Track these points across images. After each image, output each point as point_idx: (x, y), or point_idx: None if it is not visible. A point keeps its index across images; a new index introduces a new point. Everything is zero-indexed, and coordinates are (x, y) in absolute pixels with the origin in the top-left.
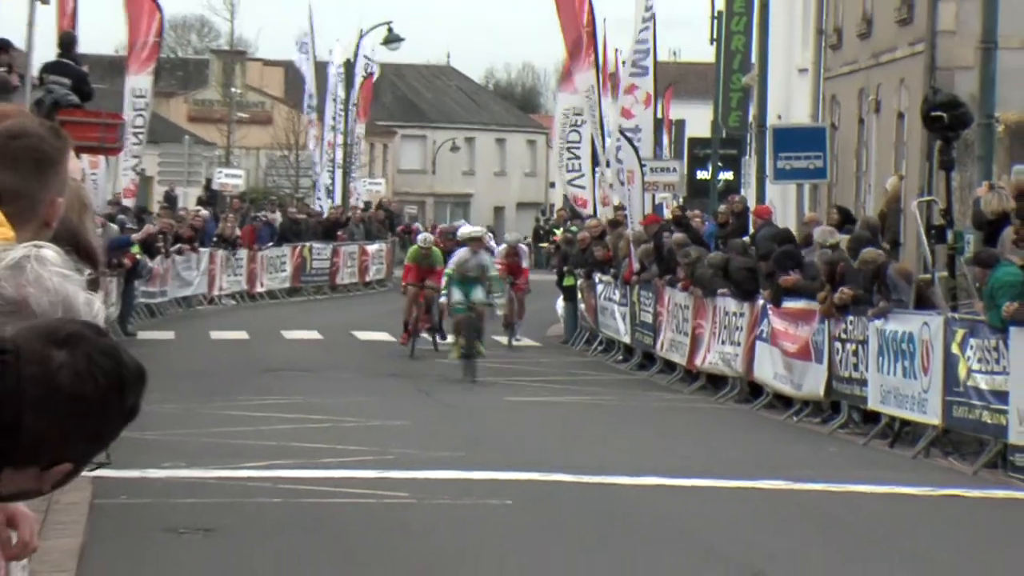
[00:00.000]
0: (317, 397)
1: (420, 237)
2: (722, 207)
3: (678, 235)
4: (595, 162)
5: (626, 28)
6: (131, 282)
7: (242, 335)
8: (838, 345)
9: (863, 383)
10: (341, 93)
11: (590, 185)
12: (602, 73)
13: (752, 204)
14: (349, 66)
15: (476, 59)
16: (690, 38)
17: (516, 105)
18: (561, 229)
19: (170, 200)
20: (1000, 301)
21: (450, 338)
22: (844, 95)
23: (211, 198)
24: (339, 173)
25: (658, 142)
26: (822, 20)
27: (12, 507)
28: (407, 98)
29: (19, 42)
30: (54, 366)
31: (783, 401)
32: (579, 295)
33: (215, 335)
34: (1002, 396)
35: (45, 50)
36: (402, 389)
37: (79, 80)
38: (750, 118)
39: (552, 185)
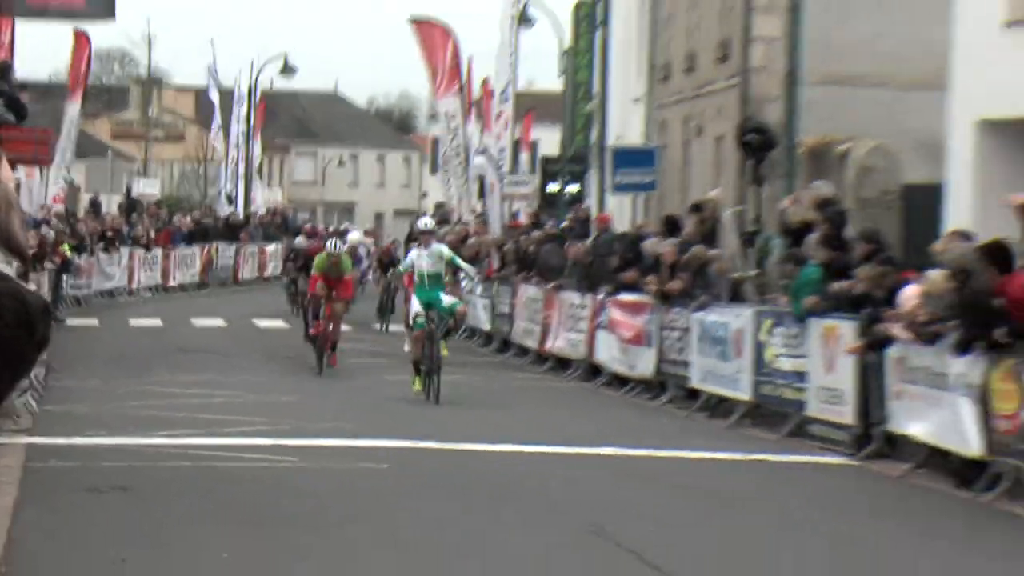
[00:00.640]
0: (221, 376)
1: (329, 243)
2: (569, 215)
3: (535, 234)
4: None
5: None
6: (61, 276)
7: (157, 322)
8: (666, 332)
9: (687, 365)
10: (243, 115)
11: (456, 196)
12: (467, 101)
13: (594, 212)
14: (250, 92)
15: (360, 86)
16: (543, 71)
17: (394, 127)
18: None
19: (95, 206)
20: (802, 296)
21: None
22: (671, 121)
23: (131, 204)
24: (241, 183)
25: (516, 159)
26: (653, 57)
27: None
28: (300, 120)
29: None
30: None
31: (619, 380)
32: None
33: (133, 322)
34: (802, 376)
35: None
36: (295, 369)
37: (14, 102)
38: (593, 139)
39: (424, 195)
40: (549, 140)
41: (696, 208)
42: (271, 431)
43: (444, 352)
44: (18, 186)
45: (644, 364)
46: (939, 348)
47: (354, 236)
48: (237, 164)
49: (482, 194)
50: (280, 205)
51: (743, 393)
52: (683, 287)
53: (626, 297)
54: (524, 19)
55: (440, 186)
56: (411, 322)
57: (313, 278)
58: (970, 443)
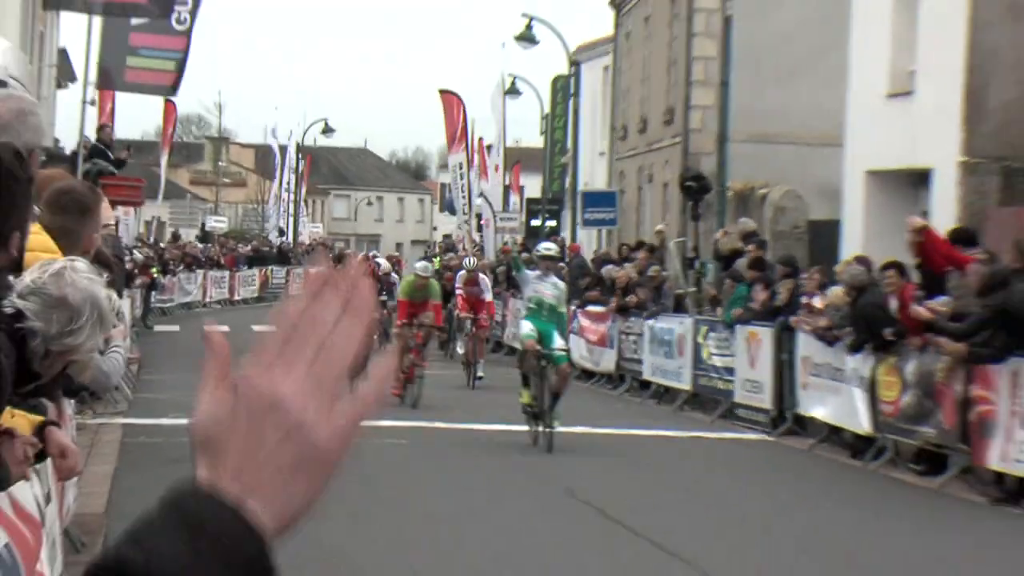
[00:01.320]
0: None
1: (419, 265)
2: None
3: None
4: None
5: (486, 123)
6: (150, 292)
7: (224, 328)
8: (624, 336)
9: (640, 362)
10: (292, 166)
11: (461, 229)
12: (470, 154)
13: (568, 242)
14: (298, 148)
15: (384, 143)
16: (527, 131)
17: (411, 175)
18: (438, 258)
19: (176, 237)
20: (733, 308)
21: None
22: (628, 170)
23: (204, 236)
24: (291, 219)
25: (507, 200)
26: (614, 120)
27: (64, 442)
28: (337, 170)
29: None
30: None
31: (587, 374)
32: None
33: (208, 327)
34: (730, 370)
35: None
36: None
37: (117, 160)
38: (567, 185)
39: (435, 228)
40: (532, 185)
41: (641, 243)
42: None
43: (556, 424)
44: (117, 222)
45: (606, 361)
46: (837, 348)
47: (385, 264)
48: (288, 204)
49: (480, 228)
50: (321, 237)
51: (684, 384)
52: (640, 301)
53: (592, 309)
54: (512, 91)
55: (448, 221)
56: (522, 335)
57: (400, 304)
58: (861, 423)
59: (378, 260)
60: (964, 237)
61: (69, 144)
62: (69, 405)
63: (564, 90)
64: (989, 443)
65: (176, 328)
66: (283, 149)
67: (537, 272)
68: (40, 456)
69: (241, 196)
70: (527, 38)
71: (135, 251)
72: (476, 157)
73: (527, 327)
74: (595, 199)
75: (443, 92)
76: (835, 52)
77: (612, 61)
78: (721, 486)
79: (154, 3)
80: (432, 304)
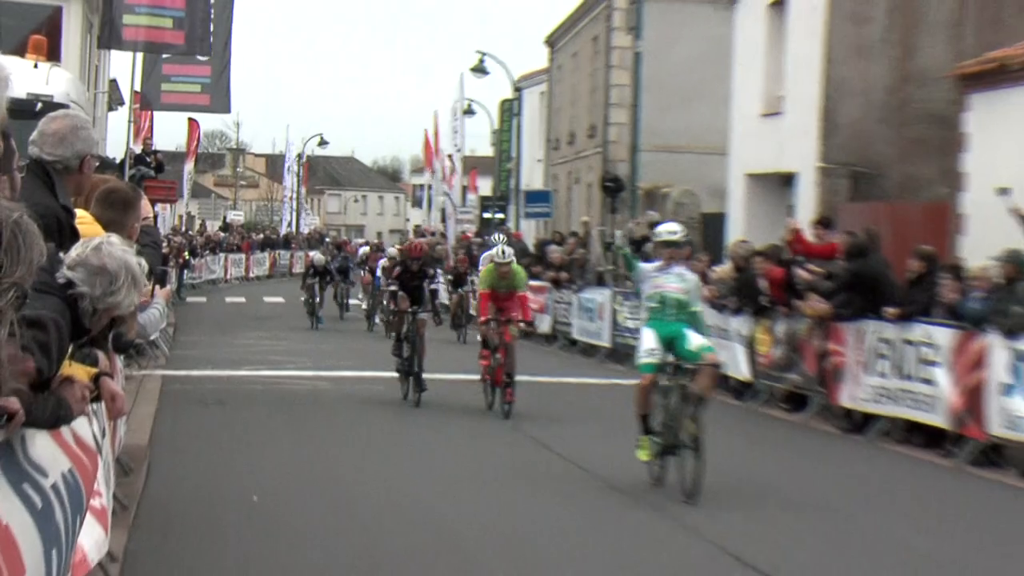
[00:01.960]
0: (281, 332)
1: (495, 250)
2: (497, 232)
3: (476, 240)
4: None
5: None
6: (183, 271)
7: (242, 299)
8: (557, 304)
9: (570, 324)
10: (295, 171)
11: (429, 220)
12: (440, 163)
13: (513, 230)
14: (299, 157)
15: (368, 151)
16: (481, 143)
17: (389, 178)
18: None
19: (203, 227)
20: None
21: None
22: (560, 174)
23: (225, 227)
24: (294, 214)
25: (464, 198)
26: (549, 134)
27: (114, 388)
28: (330, 174)
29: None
30: None
31: (527, 335)
32: None
33: (228, 299)
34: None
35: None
36: (329, 330)
37: (157, 164)
38: (512, 185)
39: (407, 220)
40: (485, 186)
41: (574, 233)
42: (312, 366)
43: (693, 429)
44: (156, 215)
45: (544, 325)
46: (724, 313)
47: (391, 251)
48: (292, 201)
49: (443, 219)
50: (317, 227)
51: (604, 342)
52: (570, 277)
53: (533, 283)
54: (468, 111)
55: (417, 214)
56: (638, 362)
57: (483, 298)
58: (742, 371)
59: (387, 250)
60: (825, 223)
61: (117, 154)
62: (119, 360)
63: (509, 111)
64: (840, 386)
65: (204, 299)
66: (290, 158)
67: (656, 263)
68: (95, 400)
69: (254, 195)
70: (480, 70)
71: (170, 239)
72: (442, 167)
73: (647, 341)
74: (534, 197)
75: (426, 131)
76: (722, 81)
77: (547, 88)
78: (630, 419)
79: (187, 44)
80: (519, 295)
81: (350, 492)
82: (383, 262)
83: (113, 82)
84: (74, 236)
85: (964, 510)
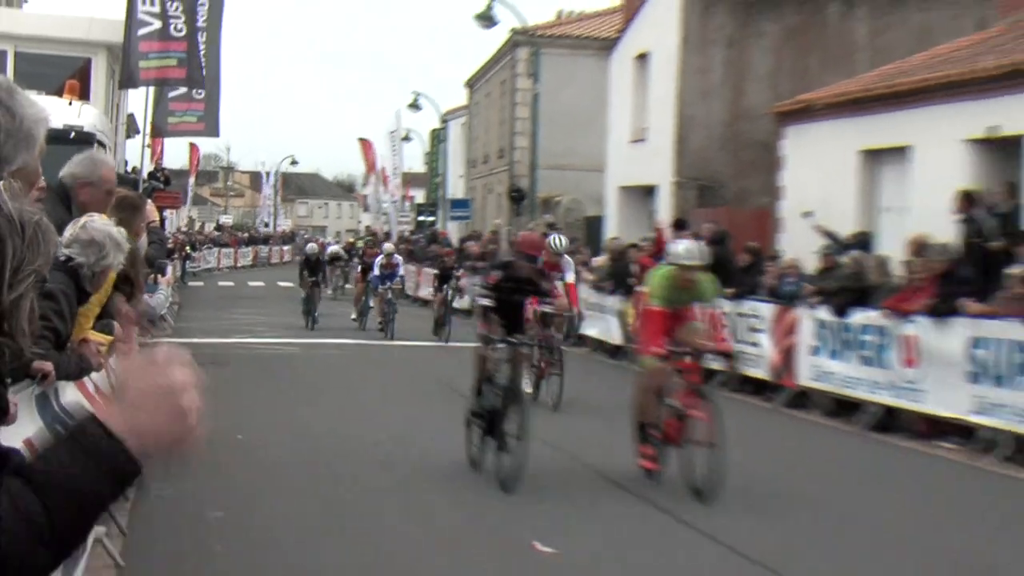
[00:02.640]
0: (263, 309)
1: (681, 248)
2: (429, 232)
3: (415, 237)
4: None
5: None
6: (186, 261)
7: (231, 284)
8: (474, 287)
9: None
10: (272, 184)
11: (377, 223)
12: (380, 177)
13: (440, 229)
14: (276, 173)
15: (329, 168)
16: (416, 162)
17: (345, 189)
18: (362, 242)
19: (202, 227)
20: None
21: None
22: (478, 186)
23: (219, 227)
24: (272, 217)
25: (404, 205)
26: (469, 155)
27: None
28: (300, 187)
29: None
30: None
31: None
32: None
33: (220, 283)
34: None
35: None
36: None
37: (165, 179)
38: (440, 195)
39: (359, 222)
40: (419, 195)
41: (493, 231)
42: (287, 335)
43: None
44: (162, 218)
45: (465, 303)
46: (602, 293)
47: (388, 247)
48: (270, 207)
49: (388, 223)
50: (290, 228)
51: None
52: (484, 265)
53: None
54: (406, 138)
55: (367, 217)
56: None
57: (650, 318)
58: (615, 338)
59: (385, 245)
60: (679, 224)
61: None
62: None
63: (438, 138)
64: None
65: (202, 283)
66: (268, 174)
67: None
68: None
69: (241, 203)
70: (415, 105)
71: (176, 236)
72: (380, 178)
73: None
74: (457, 204)
75: (361, 140)
76: (600, 115)
77: (467, 120)
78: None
79: (187, 79)
80: (704, 311)
81: (313, 432)
82: (380, 259)
83: (131, 116)
84: None
85: (782, 441)
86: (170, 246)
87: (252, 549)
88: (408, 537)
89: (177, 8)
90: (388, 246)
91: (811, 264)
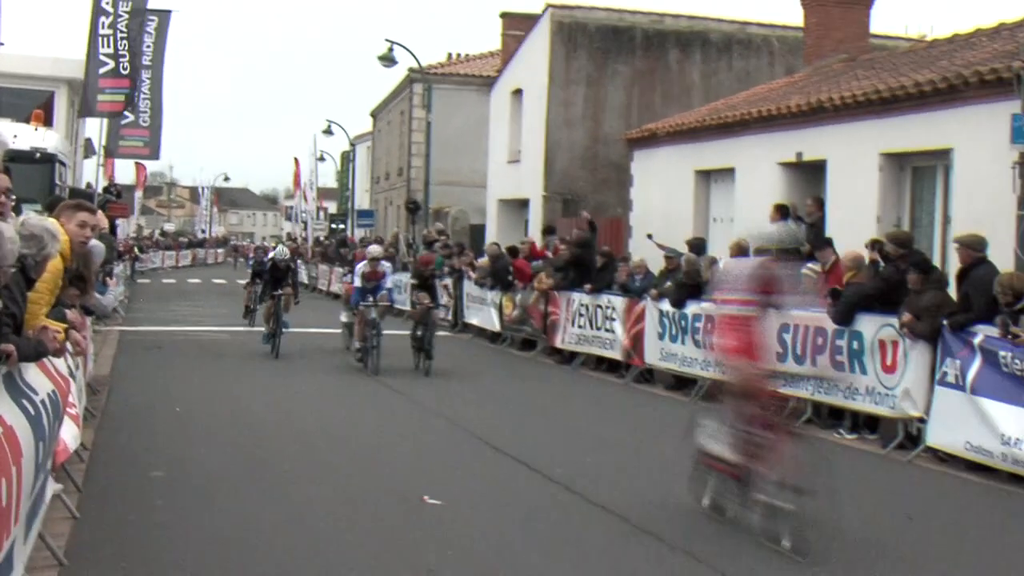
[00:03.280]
0: (199, 302)
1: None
2: (340, 238)
3: (327, 243)
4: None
5: (308, 172)
6: (135, 262)
7: (173, 281)
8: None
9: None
10: (208, 197)
11: (296, 229)
12: (303, 191)
13: (350, 236)
14: (211, 188)
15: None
16: (329, 178)
17: (270, 202)
18: (281, 245)
19: (150, 235)
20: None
21: None
22: (380, 200)
23: (163, 233)
24: (208, 225)
25: (319, 215)
26: (373, 173)
27: (77, 338)
28: (232, 199)
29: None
30: None
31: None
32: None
33: (164, 281)
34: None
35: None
36: (236, 298)
37: (117, 193)
38: (349, 206)
39: (282, 229)
40: (332, 206)
41: (395, 236)
42: (218, 324)
43: None
44: (116, 226)
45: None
46: (483, 289)
47: (374, 249)
48: (206, 217)
49: (305, 229)
50: (223, 234)
51: (406, 307)
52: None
53: (361, 266)
54: (321, 159)
55: (288, 225)
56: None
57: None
58: (495, 325)
59: (372, 248)
60: (549, 230)
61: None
62: (88, 318)
63: (348, 158)
64: (556, 335)
65: (148, 281)
66: (205, 188)
67: None
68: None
69: (182, 213)
70: (328, 131)
71: (128, 239)
72: (303, 193)
73: None
74: (363, 214)
75: (295, 159)
76: (482, 140)
77: (372, 144)
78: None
79: (128, 108)
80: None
81: (240, 404)
82: (362, 266)
83: (88, 140)
84: None
85: (630, 409)
86: (120, 249)
87: (188, 502)
88: (317, 491)
89: (125, 47)
90: (375, 248)
91: (656, 266)
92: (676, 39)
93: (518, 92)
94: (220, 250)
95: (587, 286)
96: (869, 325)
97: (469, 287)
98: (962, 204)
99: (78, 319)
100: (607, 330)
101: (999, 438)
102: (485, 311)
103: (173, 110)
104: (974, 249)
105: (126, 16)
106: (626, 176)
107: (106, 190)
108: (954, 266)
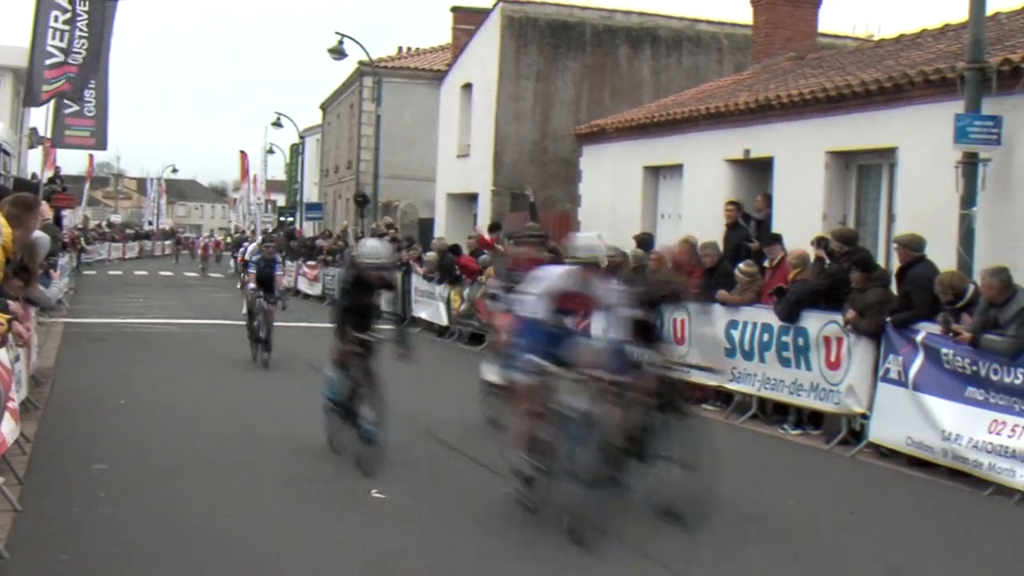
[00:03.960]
0: (145, 294)
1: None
2: (289, 230)
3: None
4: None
5: (258, 166)
6: (80, 253)
7: (120, 273)
8: (326, 276)
9: (333, 289)
10: (157, 188)
11: (244, 221)
12: (251, 184)
13: (298, 229)
14: (159, 180)
15: (205, 175)
16: (279, 171)
17: (219, 194)
18: (230, 238)
19: (97, 226)
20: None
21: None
22: (330, 192)
23: (110, 224)
24: (156, 217)
25: (267, 207)
26: (322, 165)
27: (19, 330)
28: (181, 191)
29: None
30: None
31: (309, 297)
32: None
33: (110, 272)
34: None
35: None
36: (183, 290)
37: (62, 185)
38: (298, 199)
39: (230, 222)
40: (280, 199)
41: (344, 230)
42: (167, 315)
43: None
44: (62, 217)
45: (316, 289)
46: (432, 283)
47: (370, 243)
48: (155, 208)
49: (253, 221)
50: (171, 226)
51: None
52: (335, 259)
53: (311, 263)
54: (270, 151)
55: (236, 217)
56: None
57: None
58: (443, 319)
59: (368, 241)
60: (495, 226)
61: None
62: (32, 310)
63: (297, 151)
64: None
65: (94, 272)
66: (152, 180)
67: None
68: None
69: (129, 204)
70: (277, 124)
71: (74, 230)
72: (252, 186)
73: None
74: (312, 207)
75: (241, 152)
76: (432, 134)
77: (321, 137)
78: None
79: (72, 93)
80: None
81: (185, 397)
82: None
83: (33, 129)
84: None
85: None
86: (65, 241)
87: (131, 494)
88: (262, 484)
89: (83, 45)
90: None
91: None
92: (626, 35)
93: (468, 86)
94: (167, 242)
95: None
96: (814, 322)
97: (418, 281)
98: (906, 202)
99: (21, 311)
100: None
101: (940, 434)
102: (434, 305)
103: (121, 100)
104: (912, 248)
105: (85, 15)
106: (575, 171)
107: (52, 180)
108: (896, 264)
